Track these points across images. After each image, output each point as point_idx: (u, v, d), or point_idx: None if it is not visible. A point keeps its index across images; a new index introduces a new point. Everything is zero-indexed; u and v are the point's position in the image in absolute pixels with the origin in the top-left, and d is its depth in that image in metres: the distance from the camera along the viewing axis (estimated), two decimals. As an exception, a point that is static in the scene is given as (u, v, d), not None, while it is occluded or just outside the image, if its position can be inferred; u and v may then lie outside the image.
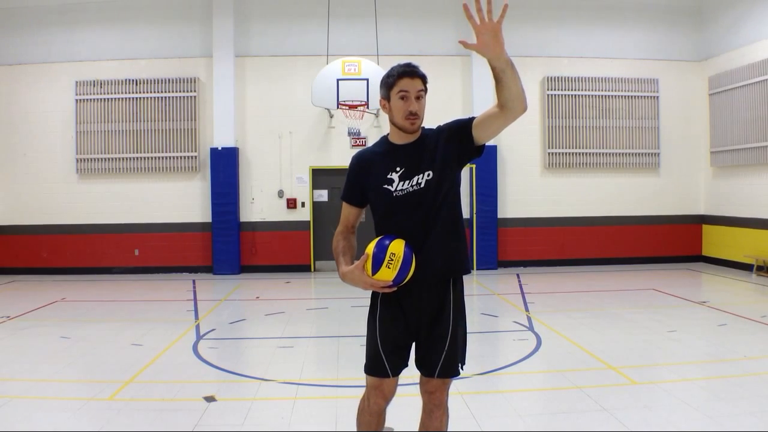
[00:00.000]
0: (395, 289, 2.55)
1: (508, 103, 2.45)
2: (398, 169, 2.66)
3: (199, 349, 5.90)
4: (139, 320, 7.37)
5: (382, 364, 2.70)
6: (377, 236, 2.65)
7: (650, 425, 3.84)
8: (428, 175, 2.63)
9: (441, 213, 2.65)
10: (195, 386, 4.75)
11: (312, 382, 4.86)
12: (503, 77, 2.39)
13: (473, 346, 6.11)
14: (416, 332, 2.72)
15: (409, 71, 2.60)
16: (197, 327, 6.92)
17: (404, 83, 2.60)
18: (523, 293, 8.96)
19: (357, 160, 2.79)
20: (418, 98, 2.62)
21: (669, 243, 12.11)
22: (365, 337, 2.79)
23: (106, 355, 5.78)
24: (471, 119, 2.64)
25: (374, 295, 2.78)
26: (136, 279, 10.95)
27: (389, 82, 2.63)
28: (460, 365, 2.74)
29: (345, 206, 2.82)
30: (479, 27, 2.29)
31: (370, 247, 2.55)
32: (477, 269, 11.45)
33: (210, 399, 4.40)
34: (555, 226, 11.88)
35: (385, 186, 2.66)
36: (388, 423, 3.78)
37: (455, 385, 4.60)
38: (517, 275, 10.81)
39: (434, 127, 2.76)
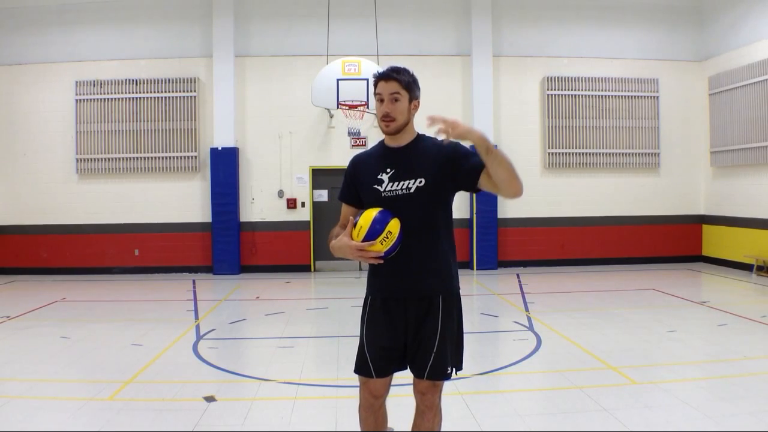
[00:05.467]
0: (382, 261, 2.56)
1: (499, 185, 2.53)
2: (389, 170, 2.67)
3: (199, 349, 5.90)
4: (139, 320, 7.36)
5: (366, 365, 2.74)
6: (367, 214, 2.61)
7: (650, 425, 3.84)
8: (420, 182, 2.62)
9: (425, 225, 2.64)
10: (195, 386, 4.75)
11: (312, 382, 4.86)
12: (486, 160, 2.47)
13: (473, 346, 6.14)
14: (404, 335, 2.72)
15: (383, 75, 2.62)
16: (197, 327, 6.92)
17: (379, 87, 2.63)
18: (523, 293, 8.95)
19: (352, 161, 2.86)
20: (395, 100, 2.60)
21: (669, 243, 12.11)
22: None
23: (106, 355, 5.78)
24: (482, 166, 2.54)
25: (366, 298, 2.82)
26: (136, 279, 10.95)
27: (374, 89, 2.69)
28: (452, 369, 2.71)
29: (343, 206, 2.87)
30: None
31: (368, 218, 2.53)
32: (477, 269, 11.44)
33: (210, 399, 4.40)
34: (555, 226, 11.87)
35: (375, 186, 2.68)
36: (389, 423, 3.78)
37: (455, 385, 4.60)
38: (517, 275, 10.80)
39: (436, 136, 2.59)
